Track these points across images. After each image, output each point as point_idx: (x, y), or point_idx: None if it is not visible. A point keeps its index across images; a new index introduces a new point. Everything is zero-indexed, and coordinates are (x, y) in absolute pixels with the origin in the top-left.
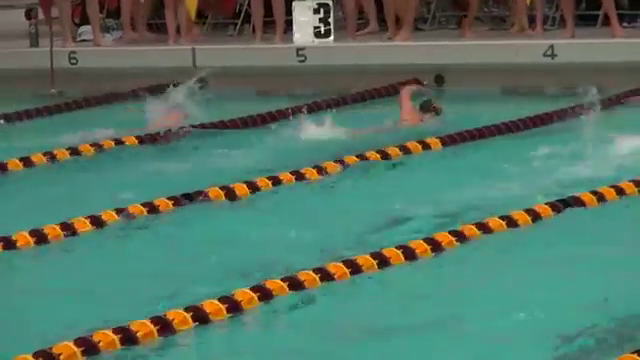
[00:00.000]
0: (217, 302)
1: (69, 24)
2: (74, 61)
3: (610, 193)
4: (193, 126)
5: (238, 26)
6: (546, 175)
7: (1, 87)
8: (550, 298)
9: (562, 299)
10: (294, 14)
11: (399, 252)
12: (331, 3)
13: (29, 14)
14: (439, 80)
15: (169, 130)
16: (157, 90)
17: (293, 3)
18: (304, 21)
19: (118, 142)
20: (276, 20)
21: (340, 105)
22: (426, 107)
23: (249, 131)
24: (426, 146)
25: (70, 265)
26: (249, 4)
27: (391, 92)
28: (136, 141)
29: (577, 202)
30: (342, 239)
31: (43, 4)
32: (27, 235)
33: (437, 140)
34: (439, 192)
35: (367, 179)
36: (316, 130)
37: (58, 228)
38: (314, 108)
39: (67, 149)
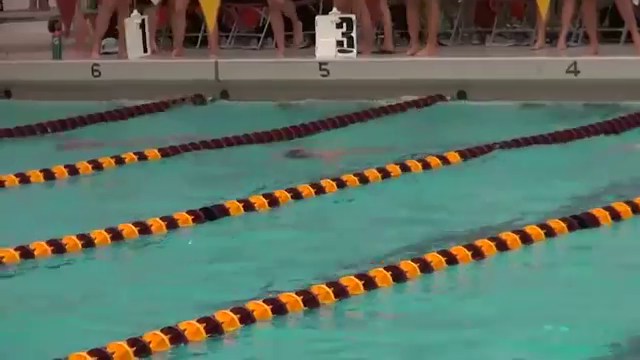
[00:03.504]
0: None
1: (99, 36)
2: (97, 73)
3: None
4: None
5: (261, 39)
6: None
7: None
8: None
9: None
10: (317, 28)
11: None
12: (354, 18)
13: (52, 26)
14: (462, 96)
15: None
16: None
17: (316, 17)
18: (327, 35)
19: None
20: (294, 36)
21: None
22: None
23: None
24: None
25: (88, 276)
26: None
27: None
28: (159, 154)
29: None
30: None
31: (65, 17)
32: (45, 244)
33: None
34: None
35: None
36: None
37: (75, 239)
38: None
39: (89, 162)
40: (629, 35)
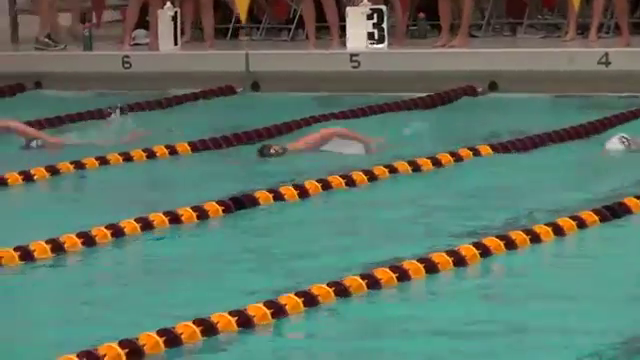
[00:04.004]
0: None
1: (130, 28)
2: (127, 65)
3: None
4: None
5: (292, 31)
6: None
7: (56, 90)
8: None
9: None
10: (347, 20)
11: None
12: (385, 9)
13: (83, 18)
14: (493, 87)
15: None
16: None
17: (346, 8)
18: (358, 27)
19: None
20: (330, 25)
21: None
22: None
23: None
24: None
25: (119, 266)
26: None
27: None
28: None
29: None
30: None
31: (96, 8)
32: (74, 237)
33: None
34: (489, 198)
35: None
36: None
37: (105, 229)
38: None
39: (120, 154)
40: None
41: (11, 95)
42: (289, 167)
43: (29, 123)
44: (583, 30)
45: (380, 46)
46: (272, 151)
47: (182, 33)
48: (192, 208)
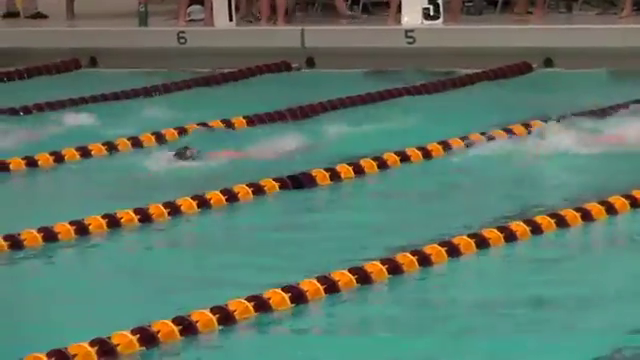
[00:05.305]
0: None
1: (185, 3)
2: (183, 40)
3: None
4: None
5: (347, 7)
6: None
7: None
8: None
9: None
10: None
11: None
12: None
13: None
14: (548, 63)
15: None
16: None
17: None
18: (413, 3)
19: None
20: (390, 1)
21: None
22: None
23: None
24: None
25: (176, 242)
26: None
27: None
28: (244, 121)
29: None
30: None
31: None
32: (100, 219)
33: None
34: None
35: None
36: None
37: (162, 207)
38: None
39: (175, 128)
40: None
41: (67, 71)
42: (344, 143)
43: (83, 99)
44: (639, 6)
45: (435, 22)
46: (188, 154)
47: (237, 9)
48: (248, 185)
